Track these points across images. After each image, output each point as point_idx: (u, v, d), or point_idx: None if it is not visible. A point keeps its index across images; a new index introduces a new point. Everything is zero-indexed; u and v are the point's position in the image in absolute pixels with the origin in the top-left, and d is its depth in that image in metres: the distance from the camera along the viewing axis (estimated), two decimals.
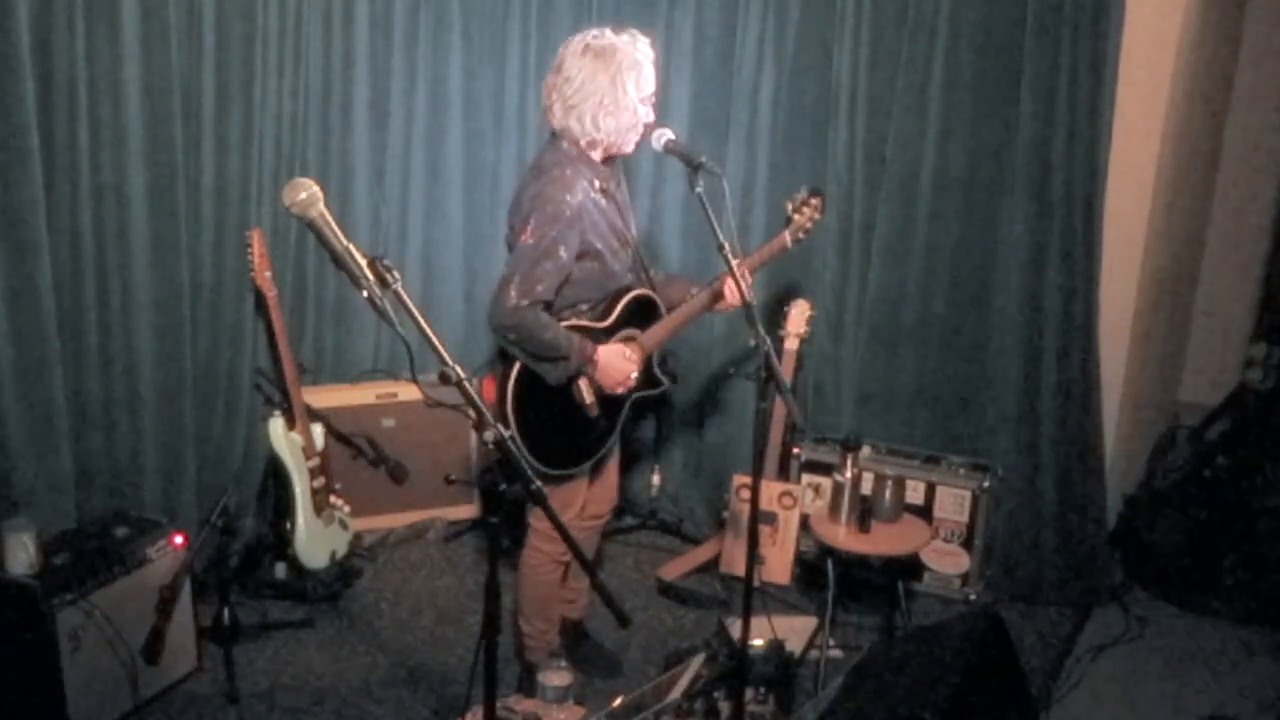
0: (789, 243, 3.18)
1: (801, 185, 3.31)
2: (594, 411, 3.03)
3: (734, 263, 2.68)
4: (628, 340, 3.06)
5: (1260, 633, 3.81)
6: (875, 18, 4.07)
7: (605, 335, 3.01)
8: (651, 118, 2.93)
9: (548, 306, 2.87)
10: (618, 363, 2.98)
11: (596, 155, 2.95)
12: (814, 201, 3.21)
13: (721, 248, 2.63)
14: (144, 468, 3.62)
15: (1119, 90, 3.77)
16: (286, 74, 3.89)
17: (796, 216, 3.20)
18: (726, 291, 3.07)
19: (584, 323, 2.97)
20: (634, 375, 3.02)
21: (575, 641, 3.45)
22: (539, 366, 2.89)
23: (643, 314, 3.09)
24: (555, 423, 2.97)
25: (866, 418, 4.28)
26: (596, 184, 2.92)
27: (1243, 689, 3.49)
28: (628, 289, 3.06)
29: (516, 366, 2.90)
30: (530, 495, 2.11)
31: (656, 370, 3.17)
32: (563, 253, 2.82)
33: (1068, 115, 3.80)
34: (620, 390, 3.02)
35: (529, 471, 2.11)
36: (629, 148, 2.97)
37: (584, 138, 2.88)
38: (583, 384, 3.00)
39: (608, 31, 2.89)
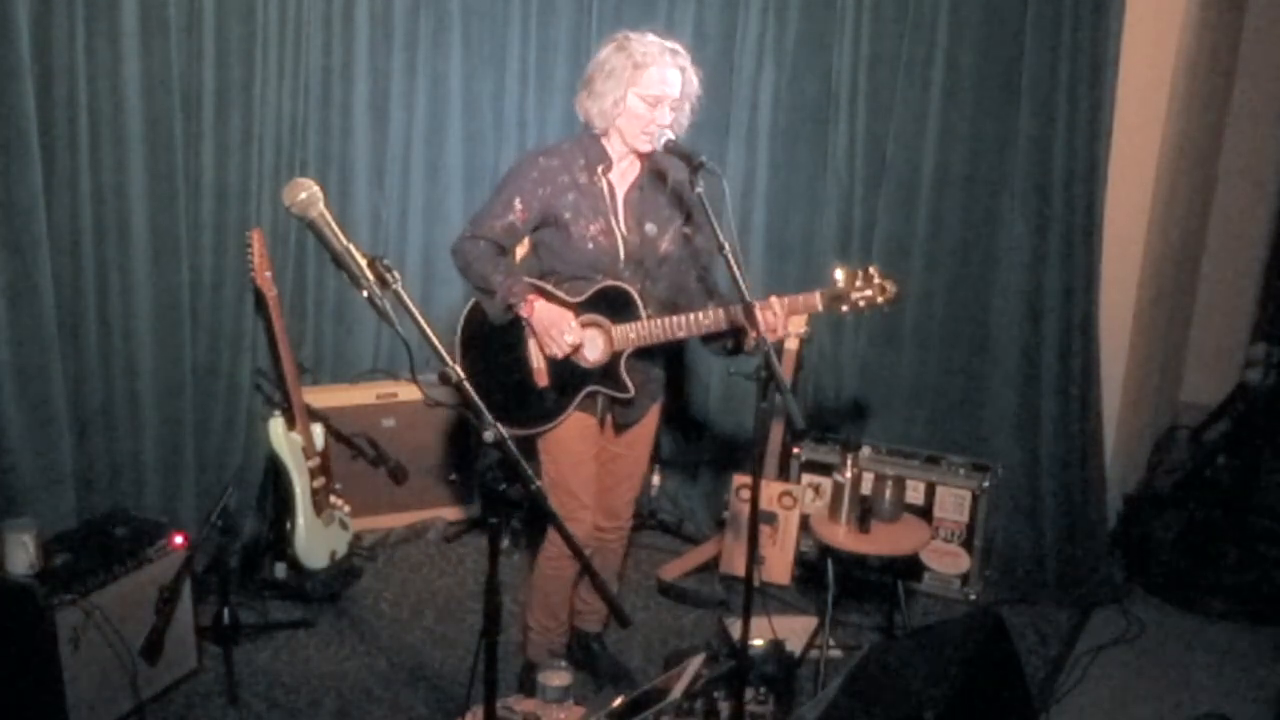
0: (819, 305, 2.96)
1: (872, 264, 3.00)
2: (541, 380, 3.03)
3: (734, 263, 2.66)
4: (595, 325, 3.02)
5: (1260, 633, 3.81)
6: (875, 18, 4.08)
7: (572, 310, 3.03)
8: (664, 119, 2.91)
9: (503, 252, 3.06)
10: (553, 315, 2.97)
11: (612, 145, 3.01)
12: (880, 283, 2.92)
13: (721, 248, 2.63)
14: (144, 468, 3.62)
15: (1119, 90, 3.77)
16: (286, 74, 3.88)
17: (843, 283, 2.94)
18: (749, 338, 2.87)
19: (556, 291, 3.03)
20: (570, 338, 2.96)
21: (588, 653, 3.41)
22: (481, 299, 3.06)
23: (615, 306, 3.02)
24: (499, 374, 3.04)
25: (866, 418, 4.28)
26: (600, 169, 3.01)
27: (1243, 689, 3.49)
28: (608, 277, 3.02)
29: (470, 303, 3.10)
30: (530, 495, 2.11)
31: (623, 371, 3.04)
32: (517, 203, 2.99)
33: (1068, 115, 3.80)
34: (553, 348, 2.97)
35: (529, 471, 2.10)
36: (638, 144, 2.96)
37: (586, 120, 3.01)
38: (533, 346, 3.03)
39: (648, 34, 3.00)
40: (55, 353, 3.28)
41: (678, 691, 2.86)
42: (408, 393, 4.19)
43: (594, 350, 3.03)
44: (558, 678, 2.79)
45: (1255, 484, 4.23)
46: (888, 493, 3.57)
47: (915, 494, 3.93)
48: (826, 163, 4.25)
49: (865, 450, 4.01)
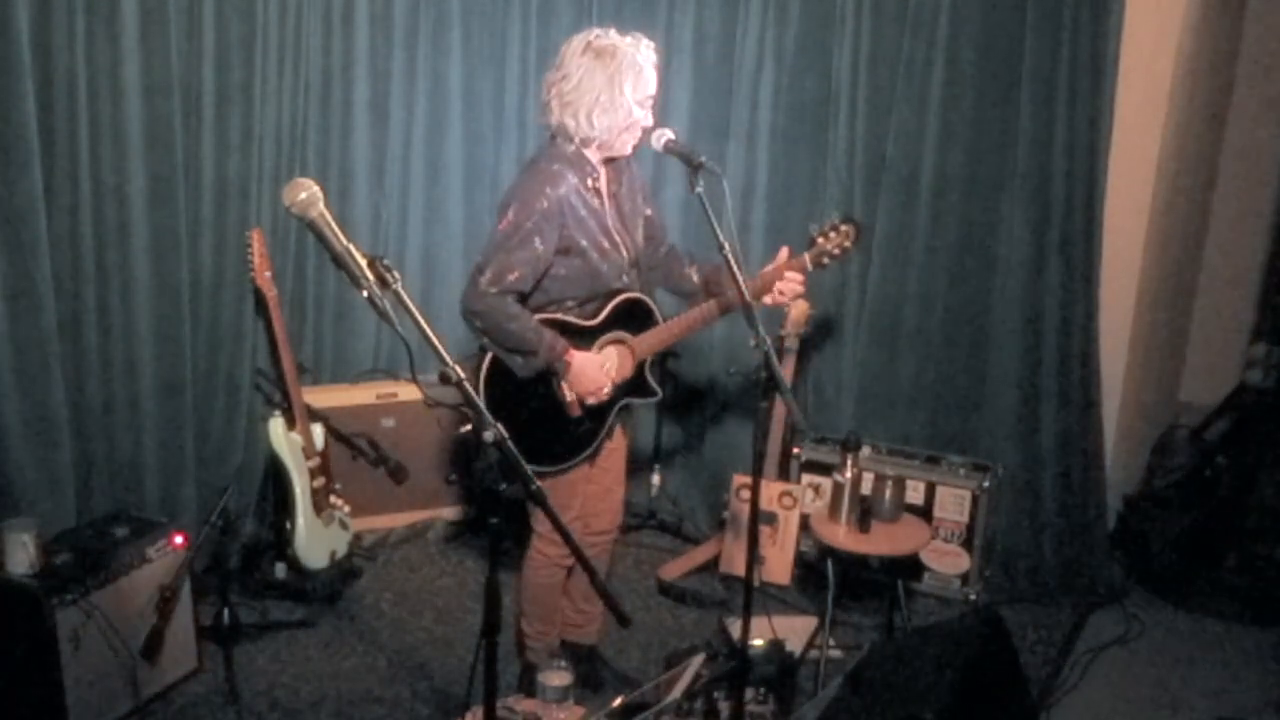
0: (809, 265, 3.05)
1: (834, 211, 3.16)
2: (575, 411, 2.95)
3: (734, 263, 2.66)
4: (617, 342, 3.00)
5: (1260, 633, 3.81)
6: (875, 18, 4.08)
7: (593, 335, 2.96)
8: (650, 121, 2.88)
9: (524, 299, 2.88)
10: (591, 371, 2.91)
11: (593, 154, 2.92)
12: (844, 228, 3.07)
13: (722, 248, 2.62)
14: (144, 468, 3.62)
15: (1119, 90, 3.78)
16: (286, 74, 3.89)
17: (821, 240, 3.05)
18: (772, 295, 3.02)
19: (571, 319, 2.94)
20: (607, 389, 2.95)
21: (589, 666, 3.35)
22: (508, 358, 2.87)
23: (634, 317, 3.01)
24: (533, 417, 2.89)
25: (866, 418, 4.28)
26: (590, 183, 2.91)
27: (1243, 689, 3.49)
28: (620, 291, 2.98)
29: (490, 355, 2.91)
30: (530, 495, 2.11)
31: (649, 376, 3.08)
32: (538, 244, 2.81)
33: (1068, 115, 3.80)
34: (592, 400, 2.95)
35: (529, 471, 2.10)
36: (626, 149, 2.92)
37: (578, 135, 2.87)
38: (564, 382, 2.95)
39: (611, 32, 2.88)
40: (55, 353, 3.28)
41: (678, 691, 2.86)
42: (408, 393, 4.18)
43: (619, 369, 3.01)
44: (558, 678, 2.78)
45: (1255, 484, 4.22)
46: (888, 493, 3.57)
47: (915, 494, 3.93)
48: (826, 163, 4.25)
49: (865, 450, 4.00)
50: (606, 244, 2.93)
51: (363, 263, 2.01)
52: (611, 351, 3.00)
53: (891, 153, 4.12)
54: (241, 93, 3.72)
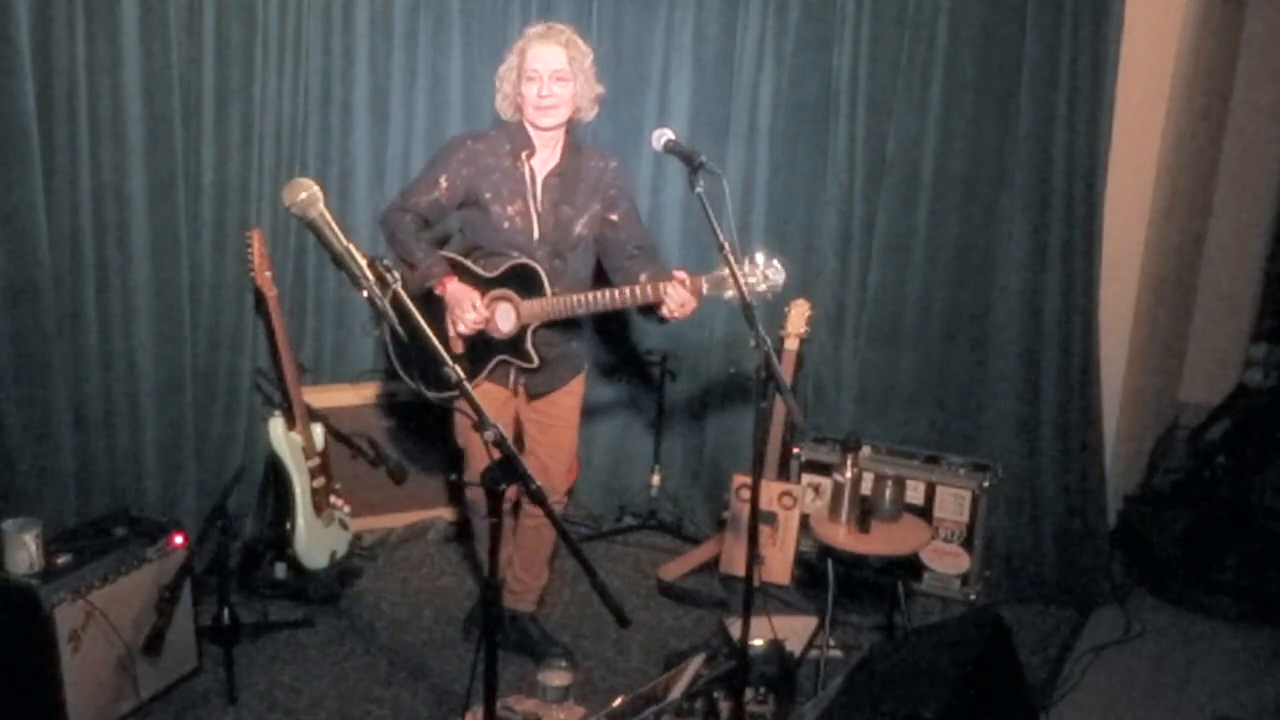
0: (705, 288, 3.05)
1: (776, 256, 3.08)
2: (457, 348, 3.21)
3: (734, 262, 2.68)
4: (506, 299, 3.19)
5: (1260, 633, 3.81)
6: (875, 18, 4.08)
7: (486, 284, 3.20)
8: (547, 91, 3.10)
9: (427, 224, 3.25)
10: (464, 299, 3.15)
11: (534, 131, 3.19)
12: (763, 270, 3.00)
13: (722, 248, 2.63)
14: (144, 468, 3.62)
15: (1119, 90, 3.78)
16: (286, 74, 3.89)
17: (726, 271, 3.01)
18: (666, 307, 3.06)
19: (472, 266, 3.22)
20: (472, 319, 3.13)
21: (524, 635, 3.45)
22: (401, 269, 3.16)
23: (525, 283, 3.19)
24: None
25: (866, 418, 4.28)
26: (524, 154, 3.20)
27: (1243, 689, 3.49)
28: (524, 256, 3.18)
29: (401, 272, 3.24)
30: (531, 495, 2.11)
31: (530, 343, 3.21)
32: (443, 181, 3.20)
33: (1068, 115, 3.80)
34: (460, 325, 3.15)
35: (528, 471, 2.11)
36: (538, 121, 3.15)
37: (502, 115, 3.25)
38: (450, 317, 3.19)
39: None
40: (55, 353, 3.28)
41: (678, 691, 2.86)
42: (408, 393, 4.18)
43: (506, 322, 3.20)
44: (558, 678, 2.79)
45: (1255, 484, 4.23)
46: (888, 493, 3.57)
47: (915, 494, 3.93)
48: (826, 162, 4.25)
49: (865, 450, 4.01)
50: (513, 209, 3.19)
51: (363, 263, 2.02)
52: (501, 307, 3.20)
53: (891, 153, 4.12)
54: (241, 93, 3.72)
